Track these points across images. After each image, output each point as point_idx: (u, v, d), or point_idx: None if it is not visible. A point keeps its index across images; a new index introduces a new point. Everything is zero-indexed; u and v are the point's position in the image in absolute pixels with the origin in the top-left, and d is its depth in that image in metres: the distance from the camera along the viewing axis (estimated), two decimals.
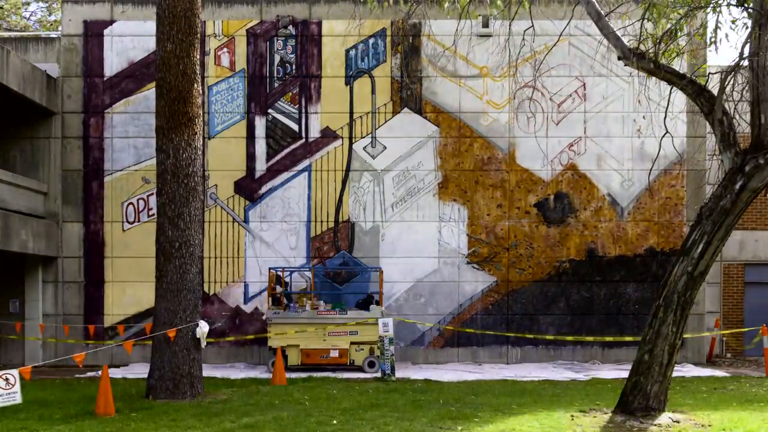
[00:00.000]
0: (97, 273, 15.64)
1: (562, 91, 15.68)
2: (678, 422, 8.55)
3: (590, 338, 14.44)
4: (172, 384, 10.37)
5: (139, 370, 13.70)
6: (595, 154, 15.67)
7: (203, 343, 10.68)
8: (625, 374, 10.85)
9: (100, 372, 13.35)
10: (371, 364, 13.89)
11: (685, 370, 13.98)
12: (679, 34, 8.67)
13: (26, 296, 15.63)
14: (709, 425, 8.47)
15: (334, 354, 13.92)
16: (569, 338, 14.48)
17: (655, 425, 8.41)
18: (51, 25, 27.89)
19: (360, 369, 13.97)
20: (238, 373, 14.00)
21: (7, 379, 7.26)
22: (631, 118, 15.58)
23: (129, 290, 15.54)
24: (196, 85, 10.53)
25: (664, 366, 8.78)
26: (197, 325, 10.59)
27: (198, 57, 10.54)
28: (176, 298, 10.43)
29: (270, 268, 14.87)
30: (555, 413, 9.19)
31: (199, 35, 10.58)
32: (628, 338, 14.08)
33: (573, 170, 15.65)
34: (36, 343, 15.33)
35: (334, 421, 8.71)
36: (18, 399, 7.49)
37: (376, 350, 13.85)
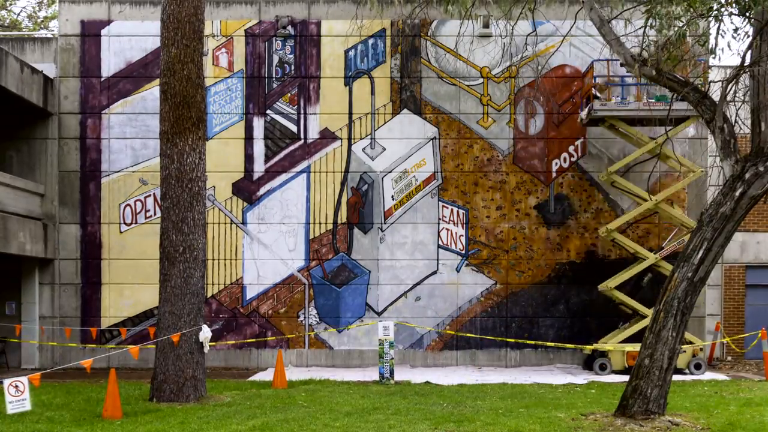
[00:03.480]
0: (94, 275, 15.56)
1: (562, 91, 15.64)
2: (677, 425, 8.61)
3: (589, 348, 14.44)
4: (176, 387, 10.39)
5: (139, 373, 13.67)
6: (595, 156, 15.68)
7: (206, 347, 10.70)
8: (624, 378, 10.97)
9: (97, 374, 13.47)
10: (697, 367, 13.42)
11: (684, 373, 13.94)
12: (681, 41, 8.75)
13: (23, 298, 15.56)
14: (708, 428, 8.54)
15: None
16: (569, 346, 14.47)
17: (655, 428, 8.48)
18: (42, 21, 27.61)
19: (679, 371, 13.04)
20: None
21: (16, 387, 7.27)
22: None
23: (126, 292, 15.50)
24: (200, 90, 10.52)
25: (663, 370, 8.86)
26: (200, 328, 10.63)
27: (202, 61, 10.52)
28: (180, 302, 10.45)
29: None
30: (556, 416, 9.25)
31: (202, 40, 10.56)
32: (629, 347, 13.98)
33: (573, 172, 15.64)
34: (33, 345, 15.26)
35: (339, 424, 8.76)
36: (27, 406, 7.51)
37: (698, 352, 13.52)
